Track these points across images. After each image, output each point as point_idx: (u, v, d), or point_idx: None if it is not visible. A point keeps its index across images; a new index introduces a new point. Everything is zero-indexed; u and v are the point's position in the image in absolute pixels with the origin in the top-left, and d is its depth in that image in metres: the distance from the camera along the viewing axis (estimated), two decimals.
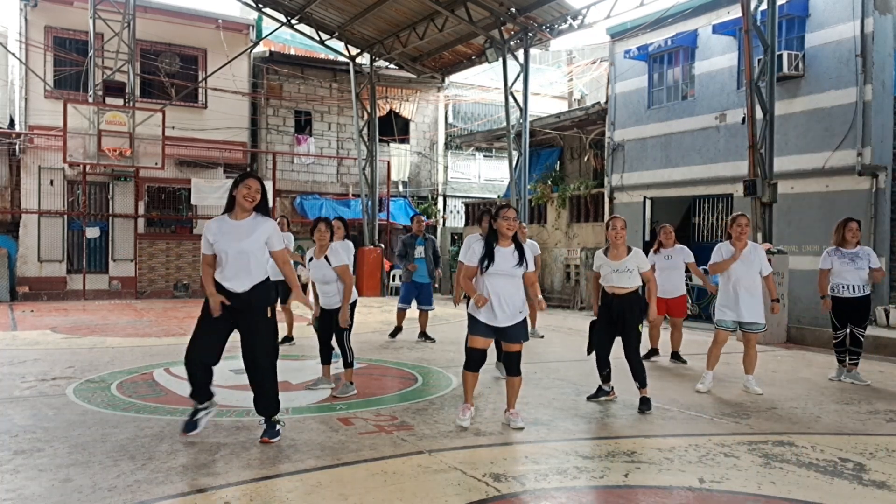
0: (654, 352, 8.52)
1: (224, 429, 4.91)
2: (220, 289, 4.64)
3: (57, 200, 18.05)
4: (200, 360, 4.69)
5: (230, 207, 4.75)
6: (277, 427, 4.79)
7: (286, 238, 9.37)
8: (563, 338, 10.75)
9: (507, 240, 5.06)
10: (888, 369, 8.27)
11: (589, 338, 6.12)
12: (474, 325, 5.11)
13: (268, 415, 4.81)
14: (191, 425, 4.73)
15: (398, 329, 9.99)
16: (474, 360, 5.11)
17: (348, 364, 6.28)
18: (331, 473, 4.10)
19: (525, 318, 5.18)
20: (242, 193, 4.66)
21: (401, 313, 10.04)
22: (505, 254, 5.05)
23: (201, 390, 4.77)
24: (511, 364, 5.20)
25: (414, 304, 9.97)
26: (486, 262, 4.99)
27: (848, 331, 7.30)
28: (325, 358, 6.51)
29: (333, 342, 6.44)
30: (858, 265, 7.19)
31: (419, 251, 9.83)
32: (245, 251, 4.62)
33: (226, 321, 4.67)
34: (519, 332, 5.10)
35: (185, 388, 6.38)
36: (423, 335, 9.91)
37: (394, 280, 19.87)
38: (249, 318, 4.69)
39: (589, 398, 6.13)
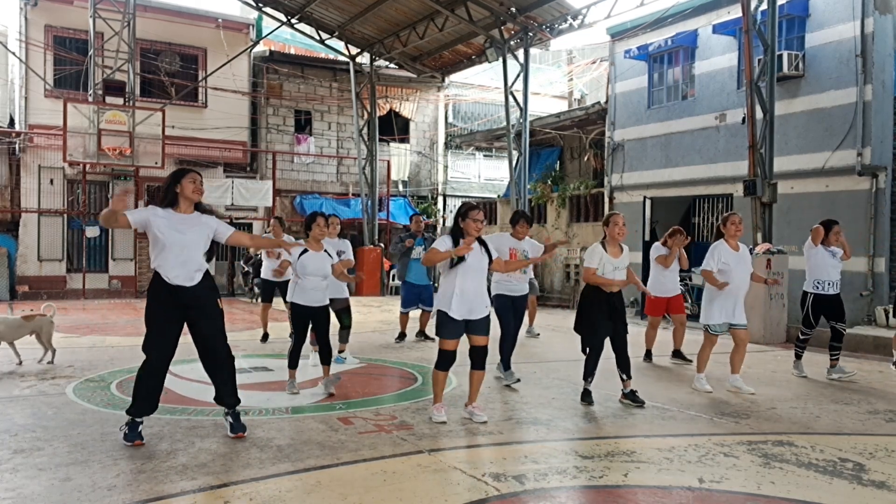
0: (650, 354, 8.37)
1: (223, 429, 4.90)
2: (163, 285, 4.57)
3: (57, 200, 18.05)
4: (163, 372, 4.66)
5: (173, 202, 4.67)
6: (241, 418, 4.92)
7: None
8: (562, 338, 10.74)
9: (473, 238, 5.25)
10: (888, 369, 8.27)
11: (587, 336, 6.01)
12: (445, 327, 5.19)
13: (235, 404, 4.87)
14: (138, 435, 4.55)
15: (402, 335, 9.79)
16: (447, 360, 5.24)
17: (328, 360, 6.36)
18: (330, 473, 4.10)
19: (489, 315, 5.32)
20: (191, 188, 4.65)
21: (403, 318, 9.79)
22: (473, 249, 5.21)
23: (152, 405, 4.65)
24: (477, 358, 5.32)
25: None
26: (455, 260, 5.10)
27: (830, 326, 7.41)
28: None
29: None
30: (837, 260, 7.40)
31: (417, 251, 9.67)
32: (191, 247, 4.63)
33: (178, 320, 4.65)
34: (485, 325, 5.30)
35: (185, 388, 6.42)
36: (422, 334, 9.87)
37: (393, 279, 19.87)
38: (203, 311, 4.69)
39: (586, 402, 5.95)
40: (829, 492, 3.92)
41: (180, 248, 4.58)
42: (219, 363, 4.81)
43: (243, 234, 5.00)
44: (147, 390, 4.62)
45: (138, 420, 4.59)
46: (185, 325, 4.72)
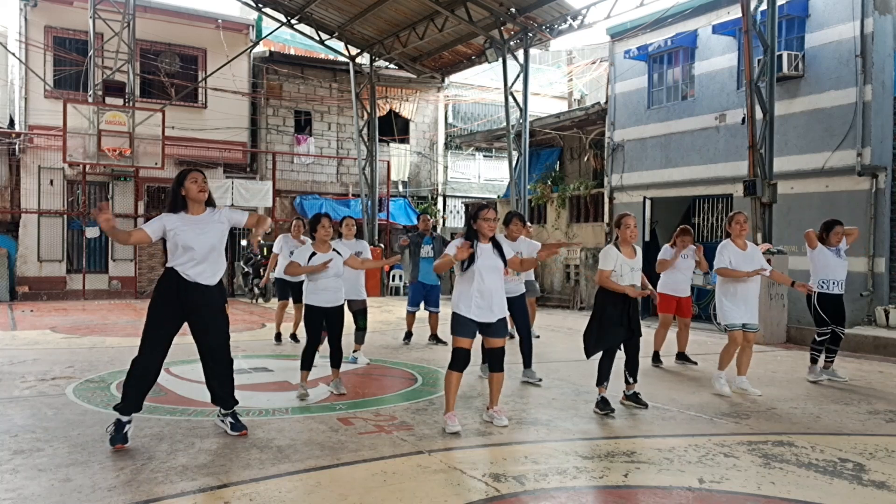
0: (658, 356, 8.25)
1: (223, 429, 4.90)
2: (180, 281, 4.59)
3: (57, 200, 18.05)
4: (155, 368, 4.65)
5: (182, 205, 4.67)
6: (240, 418, 4.93)
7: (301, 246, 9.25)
8: (562, 338, 10.75)
9: (487, 238, 5.23)
10: (888, 369, 8.27)
11: (591, 341, 5.83)
12: (460, 326, 5.14)
13: (233, 405, 4.89)
14: (122, 438, 4.48)
15: (409, 334, 9.71)
16: (461, 359, 5.14)
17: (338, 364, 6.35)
18: (330, 473, 4.10)
19: (506, 317, 5.28)
20: (194, 189, 4.64)
21: (410, 317, 9.69)
22: (486, 250, 5.20)
23: (140, 402, 4.64)
24: (496, 360, 5.24)
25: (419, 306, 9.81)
26: (467, 261, 5.08)
27: (829, 329, 7.30)
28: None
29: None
30: (843, 259, 7.33)
31: (426, 250, 9.45)
32: (213, 246, 4.66)
33: (177, 319, 4.66)
34: (503, 327, 5.24)
35: (185, 388, 6.42)
36: (434, 337, 9.67)
37: (394, 280, 19.88)
38: (212, 315, 4.70)
39: (605, 411, 5.70)
40: (829, 492, 3.92)
41: (201, 250, 4.60)
42: (219, 367, 4.82)
43: (252, 217, 5.02)
44: (137, 386, 4.61)
45: (124, 420, 4.55)
46: (187, 326, 4.72)
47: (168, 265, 4.67)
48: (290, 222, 10.18)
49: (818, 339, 7.36)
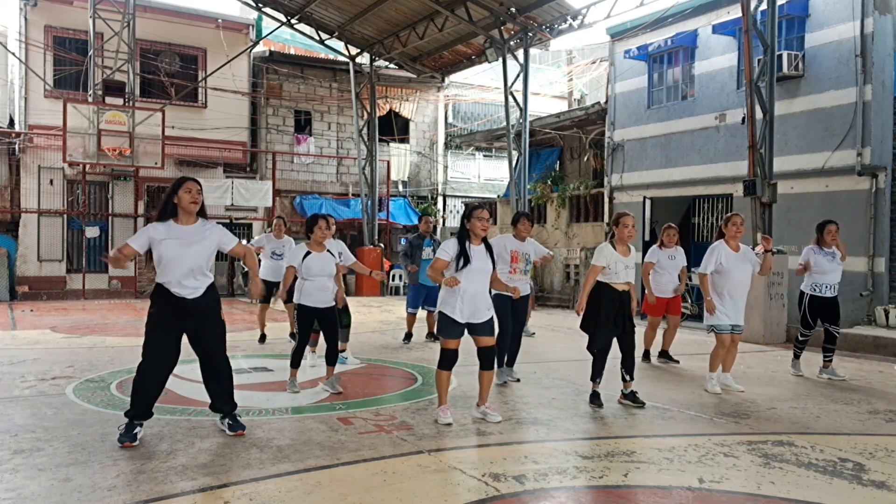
0: (648, 354, 8.33)
1: (222, 429, 4.90)
2: (166, 294, 4.60)
3: (56, 200, 18.05)
4: (158, 379, 4.67)
5: (172, 213, 4.66)
6: (239, 419, 4.96)
7: (286, 244, 9.27)
8: (562, 338, 10.74)
9: (479, 239, 5.26)
10: (888, 369, 8.27)
11: (592, 337, 5.95)
12: (446, 326, 5.21)
13: (231, 410, 4.91)
14: (131, 437, 4.54)
15: (409, 335, 9.77)
16: (449, 359, 5.25)
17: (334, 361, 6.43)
18: (330, 473, 4.10)
19: (493, 316, 5.32)
20: (187, 199, 4.61)
21: (410, 318, 9.77)
22: (478, 252, 5.22)
23: (147, 409, 4.66)
24: (485, 358, 5.29)
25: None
26: (461, 262, 5.11)
27: (823, 328, 7.49)
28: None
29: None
30: (837, 262, 7.42)
31: (426, 252, 9.49)
32: (198, 256, 4.62)
33: (177, 331, 4.67)
34: (489, 327, 5.29)
35: (185, 388, 6.41)
36: (432, 335, 9.75)
37: (394, 280, 19.87)
38: (205, 321, 4.71)
39: (595, 404, 5.92)
40: (829, 492, 3.92)
41: (183, 261, 4.57)
42: (216, 373, 4.84)
43: (240, 247, 4.99)
44: (143, 395, 4.62)
45: (136, 422, 4.60)
46: (185, 334, 4.73)
47: (157, 280, 4.67)
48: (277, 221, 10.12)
49: (800, 338, 7.70)
